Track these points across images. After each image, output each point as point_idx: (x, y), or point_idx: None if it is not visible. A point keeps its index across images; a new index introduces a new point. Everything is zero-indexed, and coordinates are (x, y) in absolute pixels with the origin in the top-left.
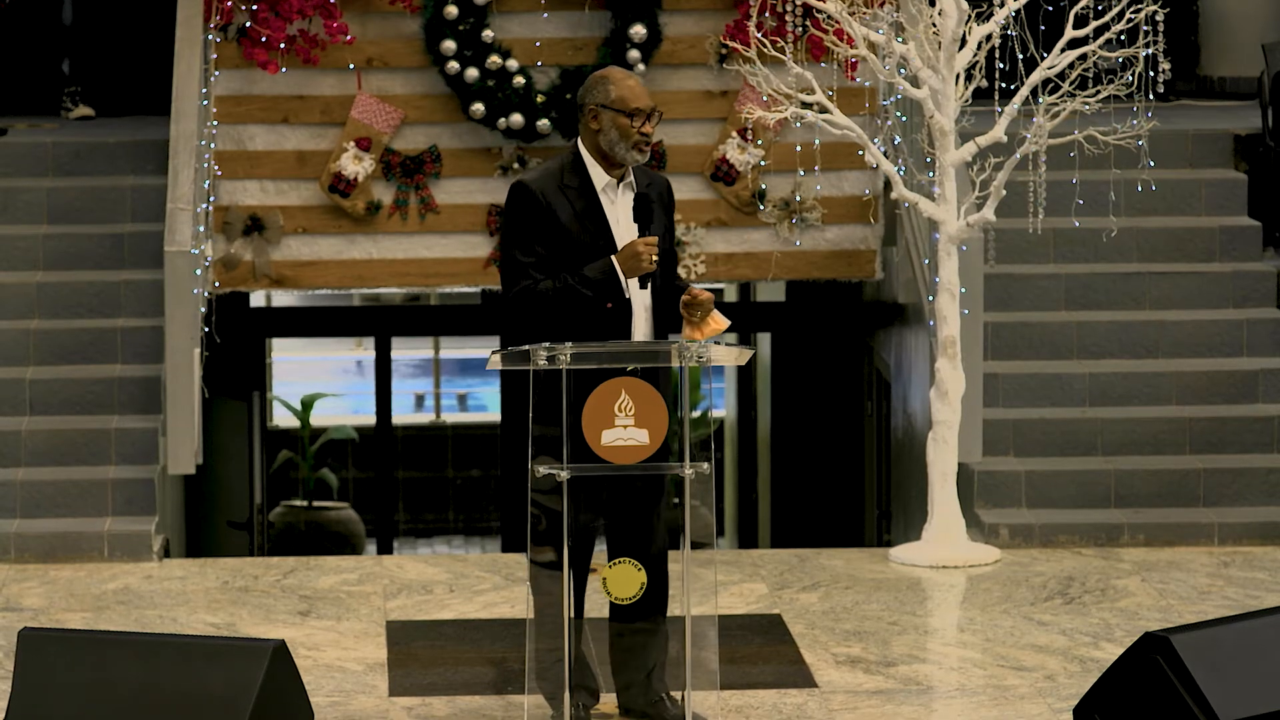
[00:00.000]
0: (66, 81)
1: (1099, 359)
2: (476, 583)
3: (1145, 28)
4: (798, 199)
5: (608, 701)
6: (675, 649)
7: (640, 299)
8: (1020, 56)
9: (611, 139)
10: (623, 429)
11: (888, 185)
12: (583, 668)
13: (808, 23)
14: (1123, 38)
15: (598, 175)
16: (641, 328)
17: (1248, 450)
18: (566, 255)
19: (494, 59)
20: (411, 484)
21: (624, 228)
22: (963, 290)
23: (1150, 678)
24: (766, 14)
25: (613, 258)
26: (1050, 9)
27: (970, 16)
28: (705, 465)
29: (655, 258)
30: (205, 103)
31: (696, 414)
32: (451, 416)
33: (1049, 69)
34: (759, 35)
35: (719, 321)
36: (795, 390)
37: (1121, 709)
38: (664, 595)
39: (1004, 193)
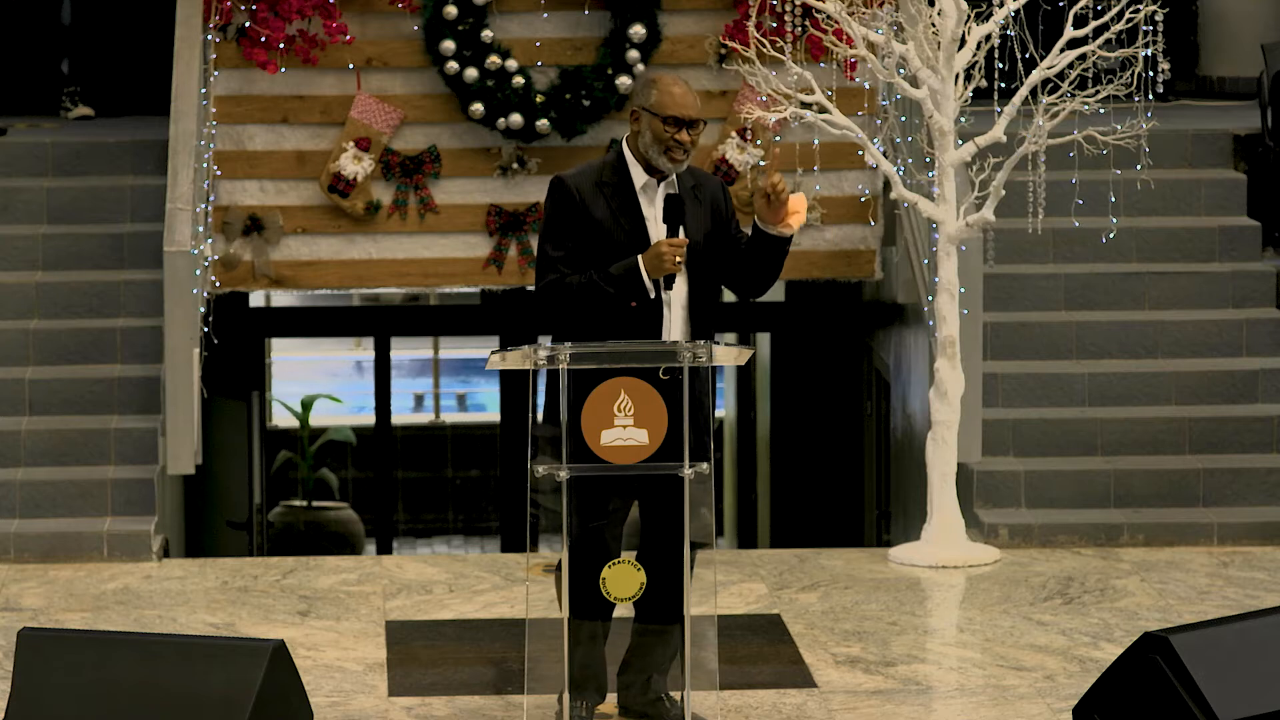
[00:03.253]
0: (66, 81)
1: (1098, 359)
2: (476, 583)
3: (1145, 28)
4: None
5: (609, 700)
6: (675, 649)
7: (677, 297)
8: (1020, 56)
9: (646, 142)
10: (622, 429)
11: (887, 185)
12: (596, 667)
13: (807, 23)
14: (1122, 38)
15: (638, 175)
16: (677, 326)
17: (1247, 450)
18: (601, 252)
19: (493, 59)
20: (411, 484)
21: (661, 227)
22: (962, 290)
23: (1149, 678)
24: (766, 14)
25: (639, 257)
26: (1049, 9)
27: (969, 16)
28: (705, 465)
29: (680, 259)
30: (205, 103)
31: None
32: (451, 416)
33: (1048, 69)
34: (758, 35)
35: (797, 204)
36: (795, 390)
37: (1121, 709)
38: (680, 600)
39: (1003, 193)
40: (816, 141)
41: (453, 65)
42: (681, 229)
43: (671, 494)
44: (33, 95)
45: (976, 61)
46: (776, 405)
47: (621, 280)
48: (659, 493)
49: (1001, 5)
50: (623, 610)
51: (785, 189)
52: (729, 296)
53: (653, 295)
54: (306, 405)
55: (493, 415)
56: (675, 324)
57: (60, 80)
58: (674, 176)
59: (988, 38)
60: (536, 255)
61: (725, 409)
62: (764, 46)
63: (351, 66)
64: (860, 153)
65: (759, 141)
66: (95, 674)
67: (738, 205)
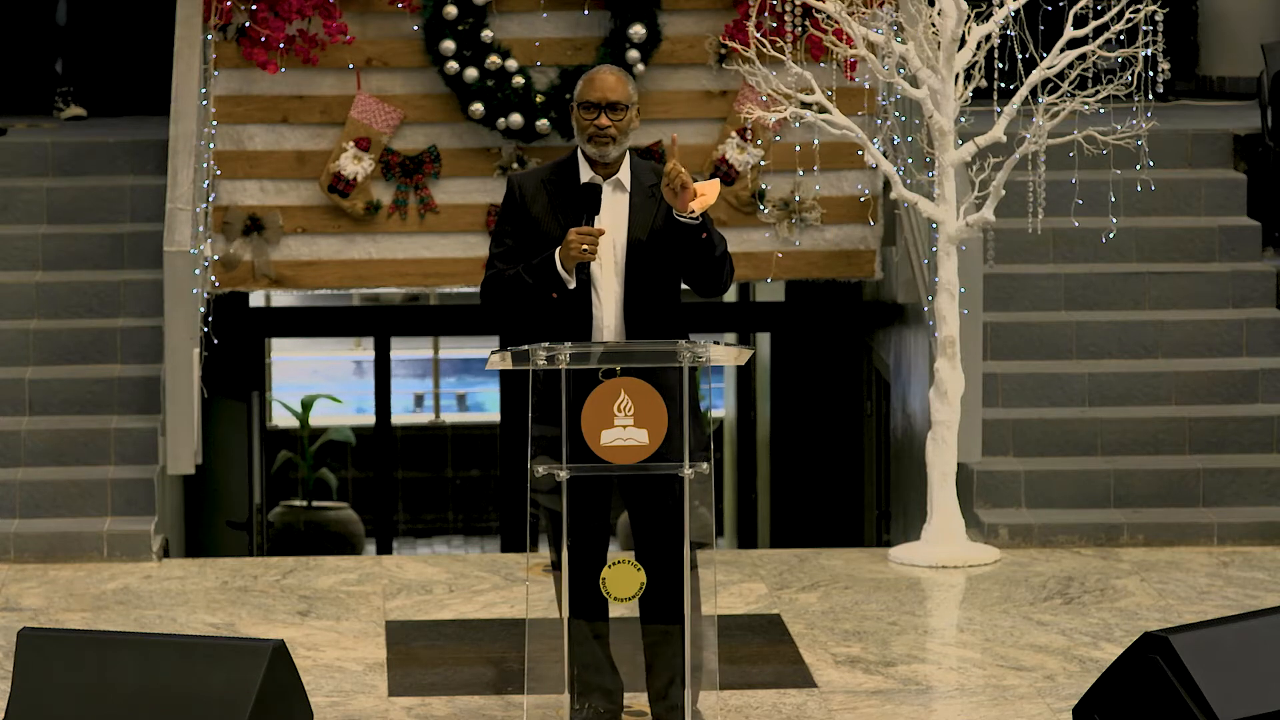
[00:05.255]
0: (59, 82)
1: (1098, 359)
2: (476, 583)
3: (1145, 28)
4: (797, 199)
5: (638, 702)
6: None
7: (610, 293)
8: (1020, 56)
9: (576, 132)
10: (622, 429)
11: (887, 185)
12: (601, 669)
13: (807, 23)
14: (1122, 38)
15: (584, 172)
16: (610, 324)
17: (1247, 450)
18: (539, 248)
19: (493, 59)
20: (411, 484)
21: (603, 224)
22: (962, 290)
23: (1149, 678)
24: (766, 14)
25: (558, 248)
26: (1050, 9)
27: (969, 16)
28: (705, 465)
29: (588, 248)
30: (204, 103)
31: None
32: (451, 416)
33: (1048, 69)
34: (758, 35)
35: (705, 188)
36: (795, 390)
37: (1121, 709)
38: (680, 600)
39: (1003, 193)
40: (816, 141)
41: (453, 65)
42: (601, 223)
43: (659, 494)
44: (28, 96)
45: (976, 61)
46: (776, 405)
47: (538, 270)
48: (647, 493)
49: (1001, 5)
50: (629, 610)
51: (679, 175)
52: (730, 295)
53: (570, 286)
54: (306, 405)
55: (493, 415)
56: (608, 321)
57: (54, 80)
58: (629, 173)
59: (988, 38)
60: None
61: (725, 409)
62: (764, 46)
63: (351, 66)
64: (860, 153)
65: (759, 141)
66: (95, 674)
67: (738, 204)
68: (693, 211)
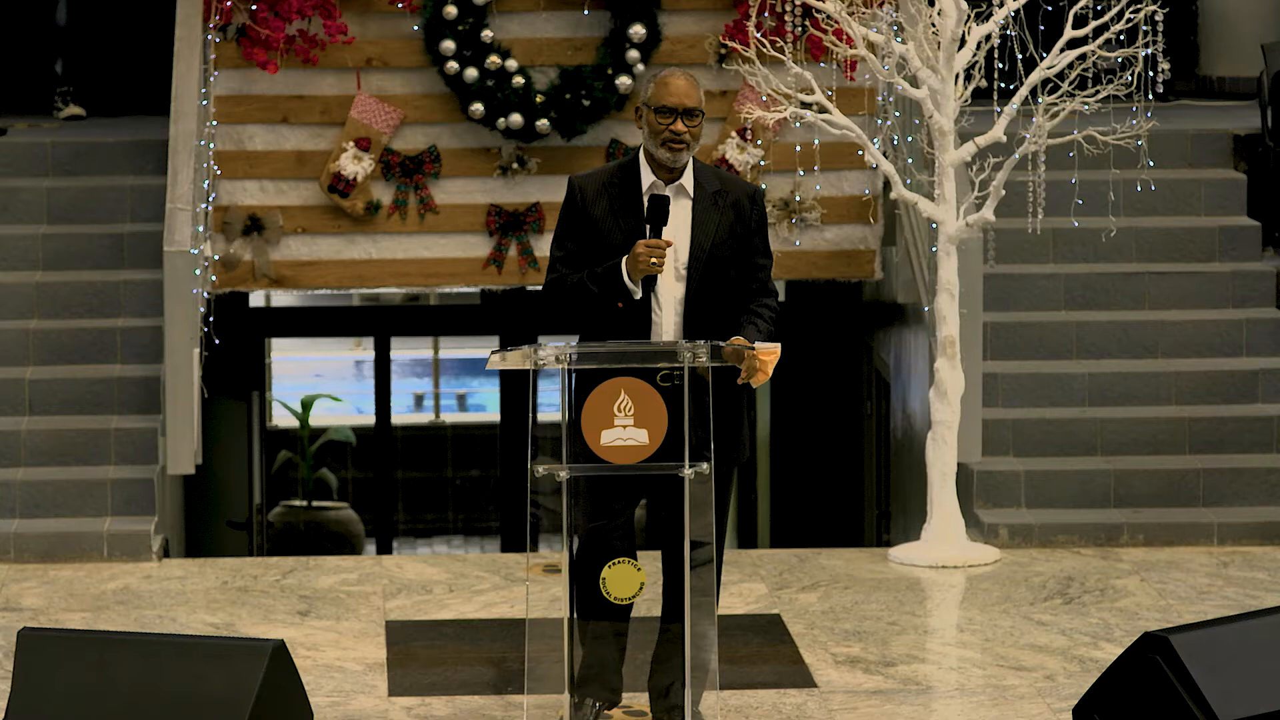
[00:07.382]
0: (59, 82)
1: (1098, 359)
2: (476, 583)
3: (1145, 28)
4: (797, 199)
5: (638, 701)
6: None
7: (670, 300)
8: (1019, 56)
9: (647, 136)
10: (622, 429)
11: (887, 185)
12: (605, 667)
13: (807, 23)
14: (1122, 38)
15: (646, 176)
16: (669, 330)
17: (1247, 450)
18: (600, 252)
19: (493, 59)
20: (411, 484)
21: (667, 232)
22: (962, 290)
23: (1149, 678)
24: (766, 14)
25: (623, 258)
26: (1050, 9)
27: (969, 16)
28: (705, 465)
29: (657, 260)
30: (204, 103)
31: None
32: (451, 416)
33: (1048, 69)
34: (758, 35)
35: (766, 355)
36: (795, 390)
37: (1121, 709)
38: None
39: (1003, 193)
40: (816, 141)
41: (453, 65)
42: (664, 230)
43: (682, 494)
44: (28, 96)
45: (976, 61)
46: (776, 405)
47: (604, 280)
48: (669, 493)
49: (1001, 5)
50: (647, 611)
51: (754, 365)
52: None
53: (637, 297)
54: (306, 405)
55: (493, 415)
56: (667, 327)
57: (54, 80)
58: (693, 179)
59: (988, 38)
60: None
61: None
62: (764, 46)
63: (351, 66)
64: (860, 153)
65: (759, 141)
66: (95, 674)
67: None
68: (755, 383)
